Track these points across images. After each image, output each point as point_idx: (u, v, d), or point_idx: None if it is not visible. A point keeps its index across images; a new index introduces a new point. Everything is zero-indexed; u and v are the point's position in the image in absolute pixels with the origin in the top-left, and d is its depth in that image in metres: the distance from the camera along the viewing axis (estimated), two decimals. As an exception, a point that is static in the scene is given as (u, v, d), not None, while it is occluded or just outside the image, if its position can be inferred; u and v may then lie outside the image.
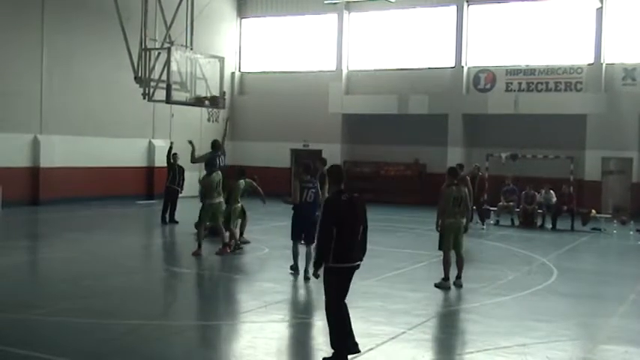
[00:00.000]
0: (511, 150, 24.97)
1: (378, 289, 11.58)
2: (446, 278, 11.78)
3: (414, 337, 8.77)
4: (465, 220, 12.07)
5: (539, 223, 21.22)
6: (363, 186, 28.26)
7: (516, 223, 21.53)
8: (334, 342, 7.53)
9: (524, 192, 21.66)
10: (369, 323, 9.26)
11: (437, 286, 11.73)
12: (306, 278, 11.99)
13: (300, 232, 12.35)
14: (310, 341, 8.82)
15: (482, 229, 20.25)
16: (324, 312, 7.64)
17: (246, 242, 15.75)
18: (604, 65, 25.62)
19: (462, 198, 11.87)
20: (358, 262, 7.65)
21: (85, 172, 24.42)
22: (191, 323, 9.50)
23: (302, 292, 11.89)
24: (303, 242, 12.34)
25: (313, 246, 11.11)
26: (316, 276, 7.76)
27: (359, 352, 7.63)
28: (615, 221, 21.60)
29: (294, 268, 12.51)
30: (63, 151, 23.80)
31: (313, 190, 12.36)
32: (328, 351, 8.36)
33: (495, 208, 21.88)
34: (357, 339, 8.26)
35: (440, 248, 11.99)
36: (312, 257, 11.26)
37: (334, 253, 7.39)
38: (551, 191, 21.39)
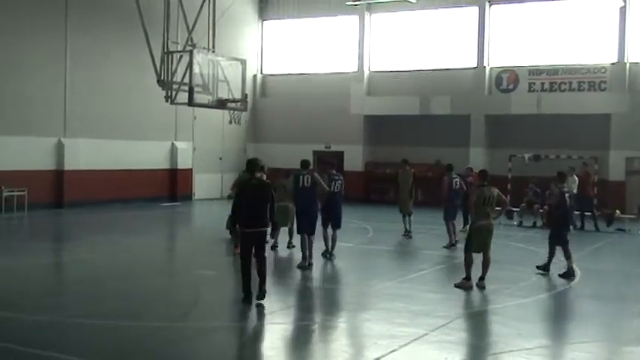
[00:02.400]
0: (534, 150, 24.76)
1: (400, 290, 11.57)
2: (467, 278, 11.72)
3: (436, 338, 8.76)
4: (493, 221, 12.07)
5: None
6: (386, 187, 28.41)
7: (539, 224, 21.36)
8: (242, 285, 10.12)
9: (548, 191, 21.45)
10: (392, 325, 9.29)
11: (457, 285, 11.69)
12: (331, 255, 14.18)
13: (328, 219, 14.10)
14: (333, 343, 8.83)
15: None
16: (348, 314, 8.94)
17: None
18: (628, 64, 25.33)
19: (493, 197, 11.87)
20: (261, 229, 9.97)
21: (108, 174, 24.67)
22: (214, 325, 9.55)
23: (326, 293, 11.92)
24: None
25: (338, 231, 14.27)
26: (231, 234, 10.86)
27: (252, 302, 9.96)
28: (640, 221, 21.34)
29: (326, 254, 14.23)
30: (87, 154, 24.06)
31: (340, 182, 14.24)
32: (352, 352, 8.41)
33: (518, 209, 21.73)
34: (380, 340, 8.33)
35: (467, 249, 11.90)
36: (336, 239, 14.25)
37: (241, 221, 9.96)
38: (574, 176, 21.08)
